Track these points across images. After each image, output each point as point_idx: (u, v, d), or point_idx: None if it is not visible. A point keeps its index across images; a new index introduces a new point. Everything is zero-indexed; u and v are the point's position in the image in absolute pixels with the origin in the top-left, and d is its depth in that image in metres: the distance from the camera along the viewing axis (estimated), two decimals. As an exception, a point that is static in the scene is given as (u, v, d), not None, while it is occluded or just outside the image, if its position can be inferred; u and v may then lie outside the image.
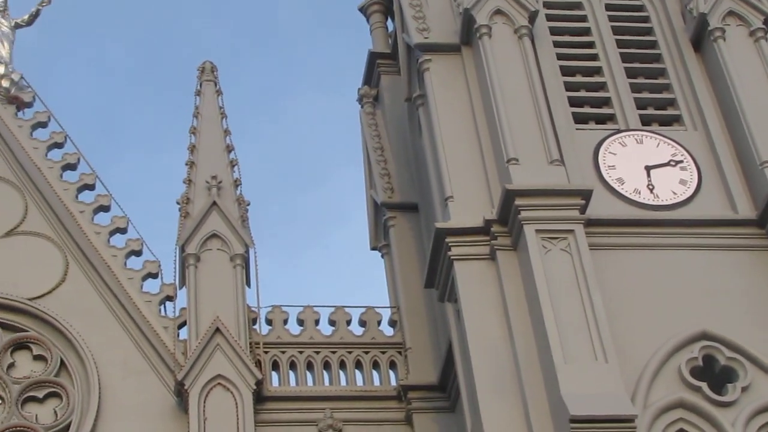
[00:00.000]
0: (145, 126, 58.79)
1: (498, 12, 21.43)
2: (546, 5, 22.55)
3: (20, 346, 21.26)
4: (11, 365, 20.99)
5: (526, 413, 17.13)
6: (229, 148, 23.72)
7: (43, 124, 24.02)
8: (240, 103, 56.91)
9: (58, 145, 23.73)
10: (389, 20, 27.09)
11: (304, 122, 60.57)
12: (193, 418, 19.99)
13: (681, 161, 20.39)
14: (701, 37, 21.87)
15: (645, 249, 19.08)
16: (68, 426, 20.35)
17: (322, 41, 62.17)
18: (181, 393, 20.42)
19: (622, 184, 19.99)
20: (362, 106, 26.28)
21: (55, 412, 20.63)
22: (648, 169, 20.21)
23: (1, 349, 21.02)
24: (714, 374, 17.75)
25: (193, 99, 24.57)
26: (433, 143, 20.94)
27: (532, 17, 21.52)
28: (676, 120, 21.30)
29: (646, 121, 21.23)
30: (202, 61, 25.20)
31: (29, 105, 24.35)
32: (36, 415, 20.56)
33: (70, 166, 23.45)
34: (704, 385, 17.44)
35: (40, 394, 20.78)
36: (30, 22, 25.78)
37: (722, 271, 18.89)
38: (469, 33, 21.61)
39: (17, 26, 25.50)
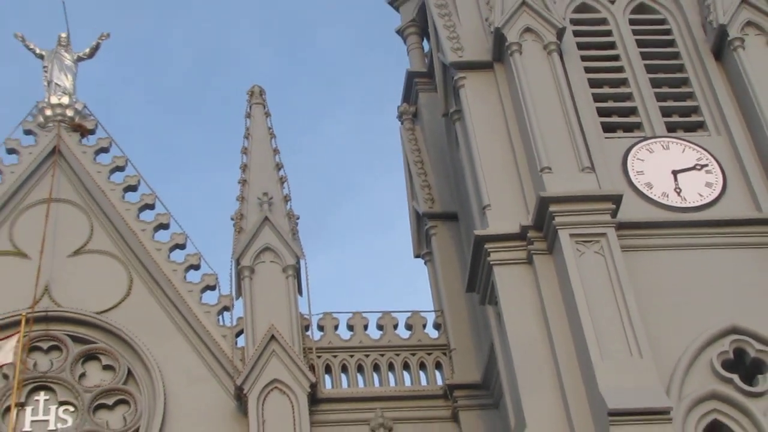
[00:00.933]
0: (200, 147, 59.48)
1: (527, 30, 21.34)
2: (572, 22, 22.55)
3: (90, 357, 21.31)
4: (82, 375, 21.03)
5: (566, 408, 17.08)
6: (279, 166, 23.80)
7: (105, 150, 24.11)
8: (287, 122, 57.34)
9: (120, 169, 23.83)
10: (425, 41, 27.16)
11: (348, 139, 60.93)
12: (253, 420, 19.96)
13: (706, 165, 20.22)
14: (721, 47, 21.71)
15: (675, 249, 18.95)
16: (137, 430, 20.40)
17: (361, 62, 62.71)
18: (240, 397, 20.43)
19: (651, 188, 19.84)
20: (402, 123, 26.29)
21: (124, 418, 20.64)
22: (675, 173, 20.06)
23: (73, 361, 21.08)
24: (745, 366, 17.65)
25: (243, 121, 24.69)
26: (470, 155, 20.93)
27: (560, 34, 21.41)
28: (700, 126, 21.12)
29: (671, 127, 21.06)
30: (251, 85, 25.26)
31: (92, 132, 24.42)
32: (107, 422, 20.58)
33: (131, 188, 23.54)
34: (735, 377, 17.32)
35: (110, 402, 20.80)
36: (91, 55, 25.87)
37: (749, 268, 18.74)
38: (500, 50, 21.55)
39: (79, 59, 25.63)
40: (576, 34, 22.27)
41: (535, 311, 18.22)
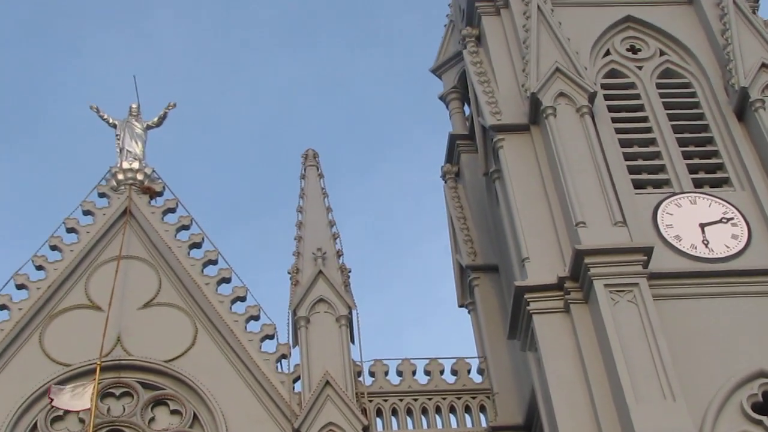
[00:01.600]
0: (259, 206, 59.65)
1: (561, 94, 21.46)
2: (603, 86, 22.58)
3: (159, 402, 21.24)
4: (152, 419, 20.95)
5: None
6: (331, 223, 23.72)
7: (172, 210, 24.09)
8: (340, 182, 57.60)
9: (185, 227, 23.78)
10: (466, 105, 27.11)
11: (397, 197, 60.90)
12: None
13: (732, 218, 20.17)
14: (743, 108, 21.68)
15: (704, 298, 18.90)
16: None
17: (408, 126, 62.79)
18: None
19: (680, 240, 19.81)
20: (446, 182, 26.27)
21: None
22: (702, 226, 20.02)
23: (143, 406, 21.02)
24: None
25: (299, 181, 24.65)
26: (509, 211, 20.90)
27: (591, 97, 21.49)
28: (725, 182, 21.08)
29: (698, 183, 21.06)
30: (305, 149, 25.26)
31: (160, 194, 24.47)
32: None
33: (196, 245, 23.49)
34: (765, 419, 17.24)
35: None
36: (159, 124, 25.90)
37: None
38: (536, 114, 21.60)
39: (148, 127, 25.68)
40: (606, 97, 22.33)
41: (572, 357, 18.18)
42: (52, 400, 20.58)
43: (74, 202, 23.94)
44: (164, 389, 21.31)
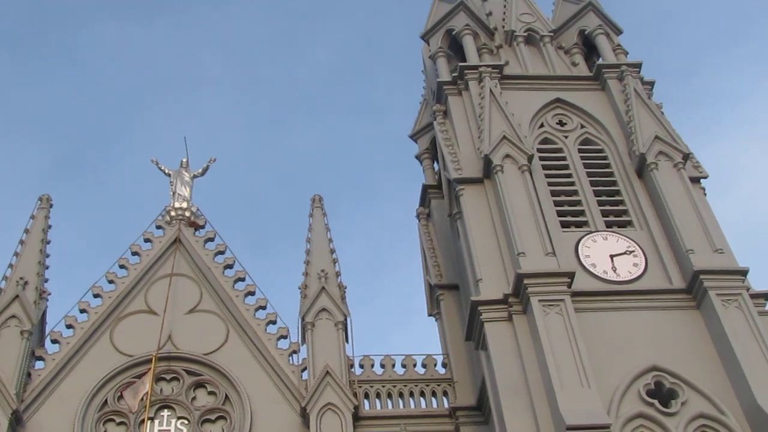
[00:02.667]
0: (277, 236, 59.74)
1: (507, 156, 21.44)
2: (539, 150, 22.52)
3: (199, 385, 21.20)
4: (194, 398, 20.95)
5: (537, 425, 17.06)
6: (332, 251, 23.54)
7: (211, 239, 24.02)
8: (339, 219, 57.81)
9: (221, 252, 23.68)
10: (435, 163, 27.04)
11: (382, 231, 61.21)
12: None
13: (633, 251, 20.18)
14: (642, 168, 21.72)
15: (612, 311, 18.93)
16: None
17: (392, 177, 63.28)
18: (304, 415, 20.28)
19: (595, 267, 19.82)
20: (419, 220, 26.10)
21: (223, 429, 20.48)
22: (612, 256, 20.03)
23: (187, 388, 21.01)
24: (662, 394, 17.61)
25: (308, 219, 24.44)
26: (467, 243, 20.84)
27: (530, 158, 21.51)
28: (629, 223, 21.07)
29: (608, 224, 21.03)
30: (313, 194, 25.07)
31: (203, 227, 24.34)
32: (210, 431, 20.47)
33: (229, 266, 23.35)
34: (656, 402, 17.38)
35: (213, 417, 20.69)
36: (203, 173, 25.83)
37: (665, 324, 18.72)
38: (488, 170, 21.53)
39: (194, 176, 25.62)
40: (541, 158, 22.26)
41: (514, 355, 18.17)
42: (121, 396, 20.71)
43: (137, 232, 24.07)
44: (203, 375, 21.26)
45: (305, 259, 23.31)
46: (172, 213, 24.33)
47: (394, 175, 63.94)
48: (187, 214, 24.38)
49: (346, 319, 22.11)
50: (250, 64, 64.54)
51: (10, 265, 22.48)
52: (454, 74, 24.65)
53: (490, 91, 23.12)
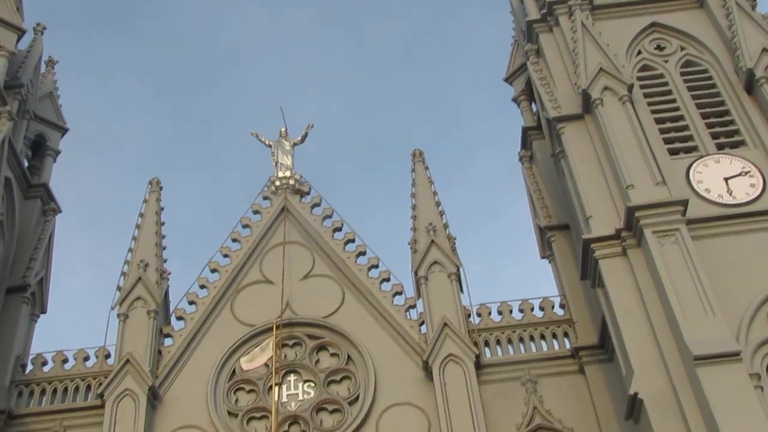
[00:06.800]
0: (382, 195, 60.21)
1: (606, 88, 21.25)
2: (638, 78, 22.27)
3: (321, 348, 21.52)
4: (317, 361, 21.28)
5: (663, 358, 16.90)
6: (438, 203, 23.53)
7: (317, 204, 24.23)
8: (442, 171, 57.99)
9: (329, 216, 23.88)
10: (532, 104, 26.80)
11: (488, 178, 60.94)
12: (437, 384, 19.89)
13: (749, 171, 19.75)
14: (751, 84, 21.25)
15: (731, 235, 18.58)
16: (358, 397, 20.58)
17: (494, 120, 62.96)
18: (426, 368, 20.41)
19: (709, 192, 19.46)
20: (522, 164, 26.00)
21: (348, 388, 20.80)
22: (726, 179, 19.64)
23: (310, 351, 21.35)
24: None
25: (409, 175, 24.41)
26: (573, 182, 20.78)
27: (630, 88, 21.27)
28: (741, 143, 20.62)
29: (720, 146, 20.65)
30: (413, 149, 24.95)
31: (308, 193, 24.55)
32: (337, 392, 20.80)
33: (338, 229, 23.57)
34: None
35: (338, 378, 21.00)
36: (302, 141, 25.97)
37: None
38: (587, 105, 21.44)
39: (295, 144, 25.80)
40: (642, 86, 22.01)
41: (632, 289, 18.00)
42: (243, 369, 21.04)
43: (245, 205, 24.41)
44: (324, 338, 21.54)
45: (412, 214, 23.31)
46: (277, 183, 24.62)
47: (492, 121, 63.21)
48: (292, 182, 24.64)
49: (458, 270, 22.08)
50: (342, 23, 64.73)
51: (130, 250, 23.17)
52: (542, 11, 24.49)
53: (582, 23, 22.90)
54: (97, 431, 19.94)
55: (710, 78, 22.20)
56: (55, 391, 21.19)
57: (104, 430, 19.70)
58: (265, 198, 24.49)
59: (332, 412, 20.56)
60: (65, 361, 21.75)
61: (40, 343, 23.70)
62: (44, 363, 21.73)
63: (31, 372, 21.53)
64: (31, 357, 21.97)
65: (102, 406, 20.26)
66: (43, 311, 23.80)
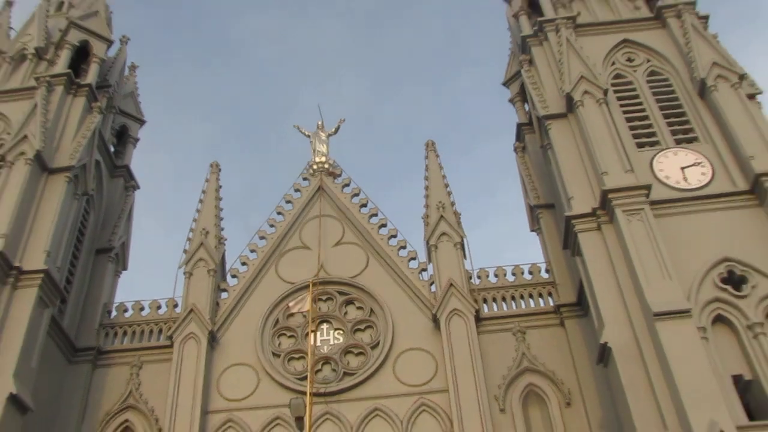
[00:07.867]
0: (401, 177, 61.03)
1: (586, 92, 21.28)
2: (612, 84, 22.23)
3: (349, 302, 21.76)
4: (345, 313, 21.53)
5: (628, 314, 17.05)
6: (446, 185, 23.60)
7: (347, 184, 24.41)
8: (450, 158, 58.27)
9: (357, 195, 24.05)
10: (526, 104, 26.74)
11: (488, 165, 61.42)
12: (444, 333, 20.16)
13: (701, 162, 19.79)
14: (703, 91, 21.24)
15: (686, 214, 18.67)
16: (378, 342, 20.72)
17: (493, 116, 63.18)
18: (435, 320, 20.66)
19: (669, 178, 19.52)
20: (516, 153, 25.99)
21: (371, 336, 21.06)
22: (682, 168, 19.69)
23: (340, 305, 21.56)
24: (734, 281, 17.38)
25: (423, 161, 24.47)
26: (558, 168, 20.81)
27: (605, 92, 21.29)
28: (695, 139, 20.63)
29: (678, 141, 20.65)
30: (427, 139, 25.00)
31: (339, 175, 24.69)
32: (361, 338, 21.05)
33: (364, 205, 23.70)
34: (729, 287, 17.17)
35: (362, 327, 21.27)
36: (336, 132, 26.07)
37: (733, 222, 18.36)
38: (570, 105, 21.44)
39: (329, 135, 25.92)
40: (615, 91, 22.00)
41: (605, 258, 18.13)
42: (289, 308, 21.39)
43: (288, 184, 24.69)
44: (351, 294, 21.84)
45: (425, 193, 23.44)
46: (314, 166, 24.78)
47: (492, 118, 64.07)
48: (326, 166, 24.81)
49: (462, 240, 22.26)
50: (369, 34, 64.87)
51: (194, 220, 23.54)
52: (534, 28, 24.39)
53: (567, 39, 22.85)
54: (167, 366, 20.39)
55: (670, 85, 22.19)
56: (133, 332, 21.71)
57: (173, 365, 20.12)
58: (305, 179, 24.71)
59: (357, 354, 20.83)
60: (142, 309, 22.26)
61: (122, 294, 24.61)
62: (125, 310, 22.28)
63: (115, 317, 22.08)
64: (115, 305, 22.57)
65: (171, 346, 20.72)
66: (125, 268, 24.47)
